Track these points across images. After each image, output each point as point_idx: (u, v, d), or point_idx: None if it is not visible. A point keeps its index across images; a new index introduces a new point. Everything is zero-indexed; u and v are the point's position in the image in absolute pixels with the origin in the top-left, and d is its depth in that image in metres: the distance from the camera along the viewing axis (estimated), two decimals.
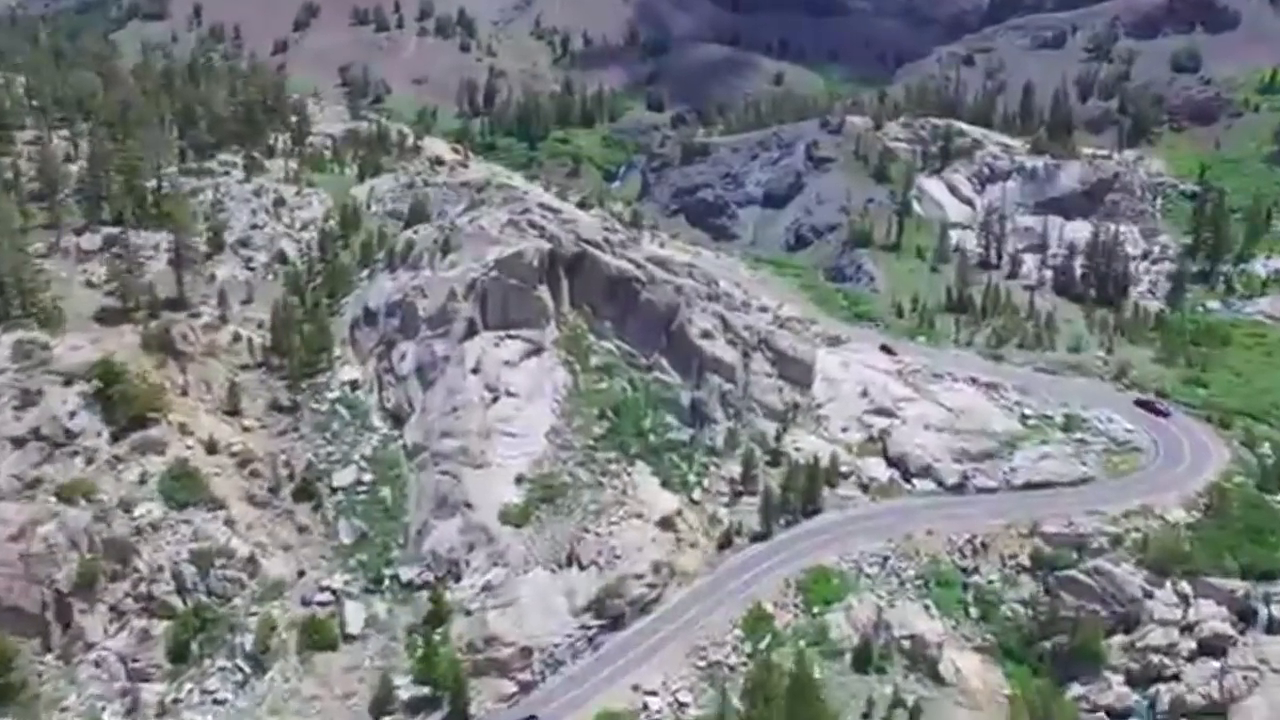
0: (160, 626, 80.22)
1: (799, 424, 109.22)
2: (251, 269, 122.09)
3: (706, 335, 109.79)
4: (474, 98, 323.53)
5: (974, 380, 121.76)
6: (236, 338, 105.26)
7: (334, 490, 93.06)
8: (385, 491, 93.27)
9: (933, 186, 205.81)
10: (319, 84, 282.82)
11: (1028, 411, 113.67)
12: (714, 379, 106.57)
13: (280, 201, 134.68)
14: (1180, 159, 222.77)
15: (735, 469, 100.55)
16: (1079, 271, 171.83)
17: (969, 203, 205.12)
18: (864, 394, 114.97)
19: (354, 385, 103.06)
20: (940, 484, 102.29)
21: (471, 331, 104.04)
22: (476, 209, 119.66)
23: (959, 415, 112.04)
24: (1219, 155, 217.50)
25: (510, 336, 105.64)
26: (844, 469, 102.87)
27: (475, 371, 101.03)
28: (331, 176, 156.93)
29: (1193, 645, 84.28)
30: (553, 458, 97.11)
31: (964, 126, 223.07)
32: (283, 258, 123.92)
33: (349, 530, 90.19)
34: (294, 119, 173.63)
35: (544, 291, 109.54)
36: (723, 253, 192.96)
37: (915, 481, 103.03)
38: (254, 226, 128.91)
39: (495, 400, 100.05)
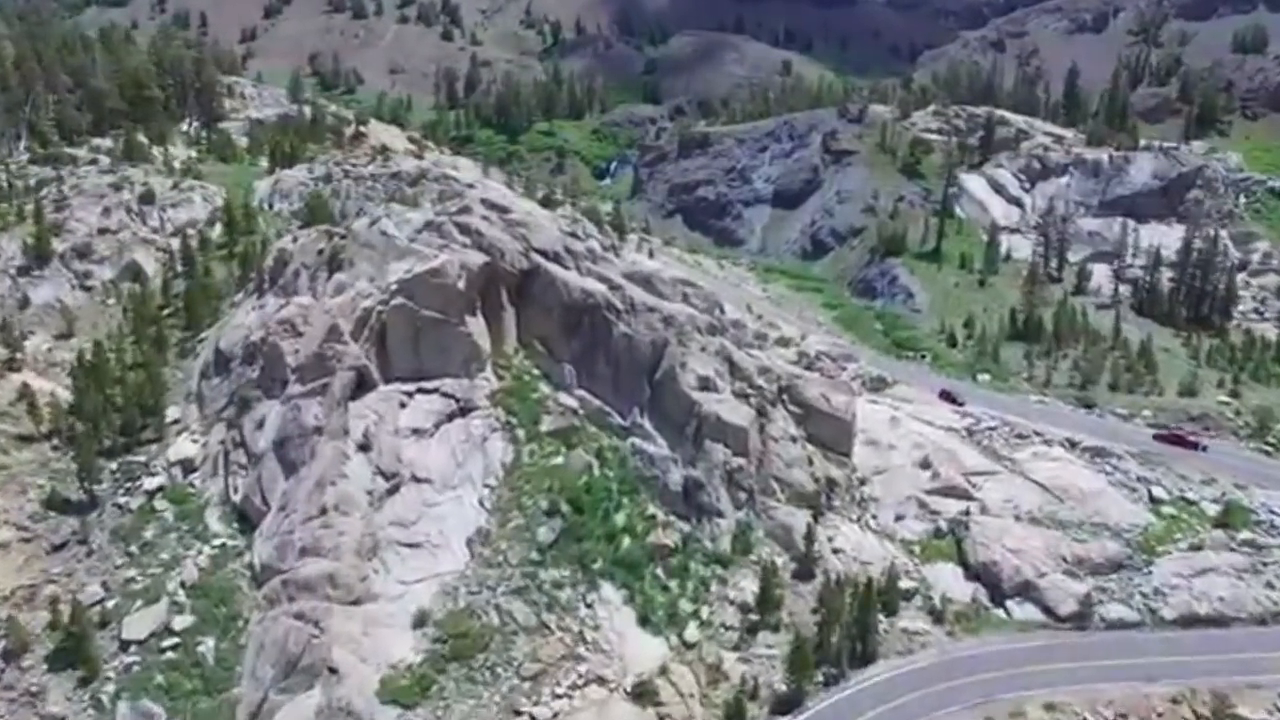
0: None
1: (837, 510, 77.31)
2: (88, 289, 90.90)
3: (706, 385, 77.70)
4: (453, 88, 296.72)
5: (1071, 442, 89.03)
6: (24, 393, 72.53)
7: (124, 646, 60.10)
8: (208, 645, 60.21)
9: (973, 183, 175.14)
10: (288, 74, 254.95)
11: (1159, 492, 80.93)
12: (717, 449, 74.66)
13: (148, 198, 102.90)
14: (1259, 151, 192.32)
15: (749, 586, 69.72)
16: (1166, 286, 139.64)
17: (1017, 202, 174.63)
18: (924, 464, 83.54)
19: (188, 467, 70.27)
20: (1050, 612, 69.68)
21: (362, 385, 71.36)
22: (386, 207, 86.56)
23: (1062, 499, 79.75)
24: None
25: (422, 391, 73.40)
26: (906, 585, 71.04)
27: (364, 448, 68.36)
28: (239, 167, 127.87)
29: None
30: (474, 582, 64.66)
31: (1006, 114, 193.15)
32: (135, 273, 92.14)
33: None
34: (210, 101, 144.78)
35: (475, 324, 77.36)
36: (728, 261, 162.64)
37: (1011, 606, 70.61)
38: (103, 231, 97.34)
39: (393, 491, 67.60)
